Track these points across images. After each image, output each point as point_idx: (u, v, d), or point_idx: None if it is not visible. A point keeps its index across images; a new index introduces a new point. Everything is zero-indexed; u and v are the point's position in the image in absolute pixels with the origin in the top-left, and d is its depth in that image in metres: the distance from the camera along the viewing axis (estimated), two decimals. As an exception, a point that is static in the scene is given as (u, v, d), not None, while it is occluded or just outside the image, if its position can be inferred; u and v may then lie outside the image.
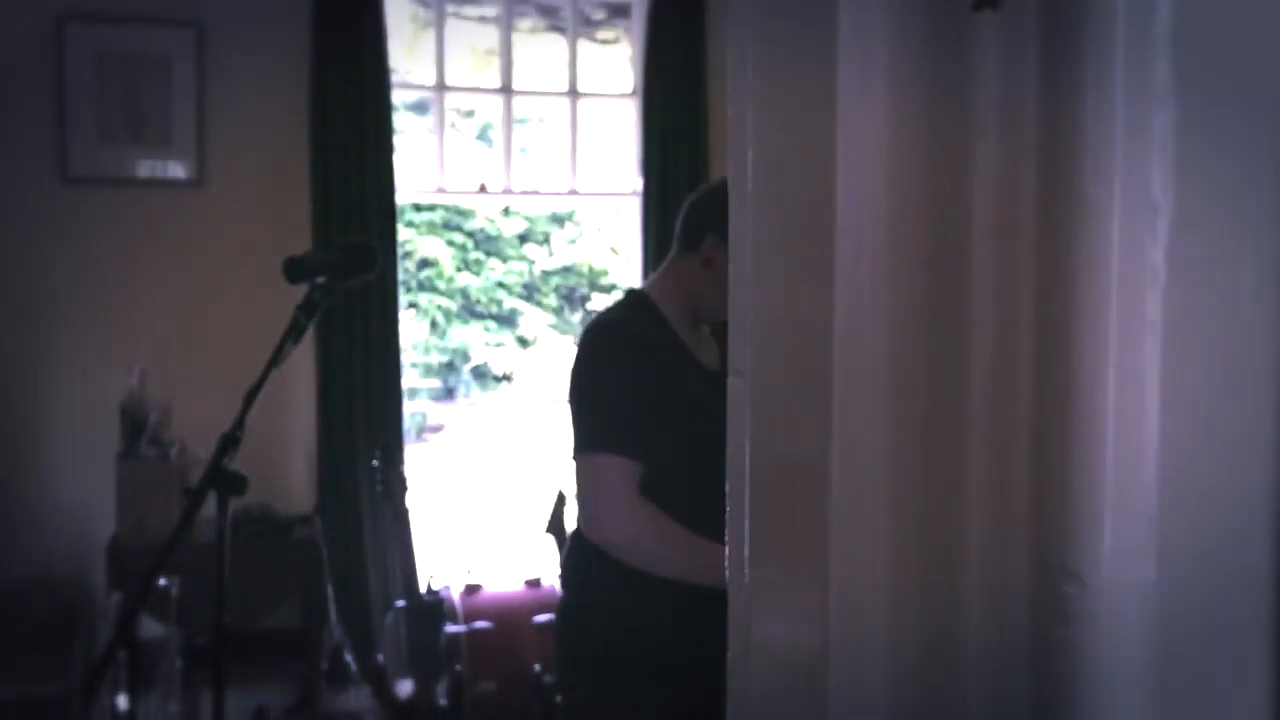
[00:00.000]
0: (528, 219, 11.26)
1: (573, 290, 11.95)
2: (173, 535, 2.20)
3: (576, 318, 12.00)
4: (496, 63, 4.79)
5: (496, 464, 9.03)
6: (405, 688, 3.50)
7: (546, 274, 12.08)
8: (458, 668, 3.60)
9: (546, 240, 12.05)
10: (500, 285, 11.28)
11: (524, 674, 3.84)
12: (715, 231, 2.09)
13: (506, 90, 4.77)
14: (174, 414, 4.14)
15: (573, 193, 4.87)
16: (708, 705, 2.03)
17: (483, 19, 4.98)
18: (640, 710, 2.06)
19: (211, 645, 2.23)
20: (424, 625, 3.47)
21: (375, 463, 3.56)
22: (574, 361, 2.13)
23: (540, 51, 5.09)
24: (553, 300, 12.23)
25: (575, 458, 2.07)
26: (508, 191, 4.77)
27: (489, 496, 8.25)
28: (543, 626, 4.03)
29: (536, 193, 5.12)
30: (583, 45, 4.86)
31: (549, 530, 3.81)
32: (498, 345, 11.01)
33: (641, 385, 2.04)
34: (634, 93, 4.88)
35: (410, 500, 3.51)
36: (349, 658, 4.30)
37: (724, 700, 2.04)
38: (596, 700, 2.11)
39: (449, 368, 10.78)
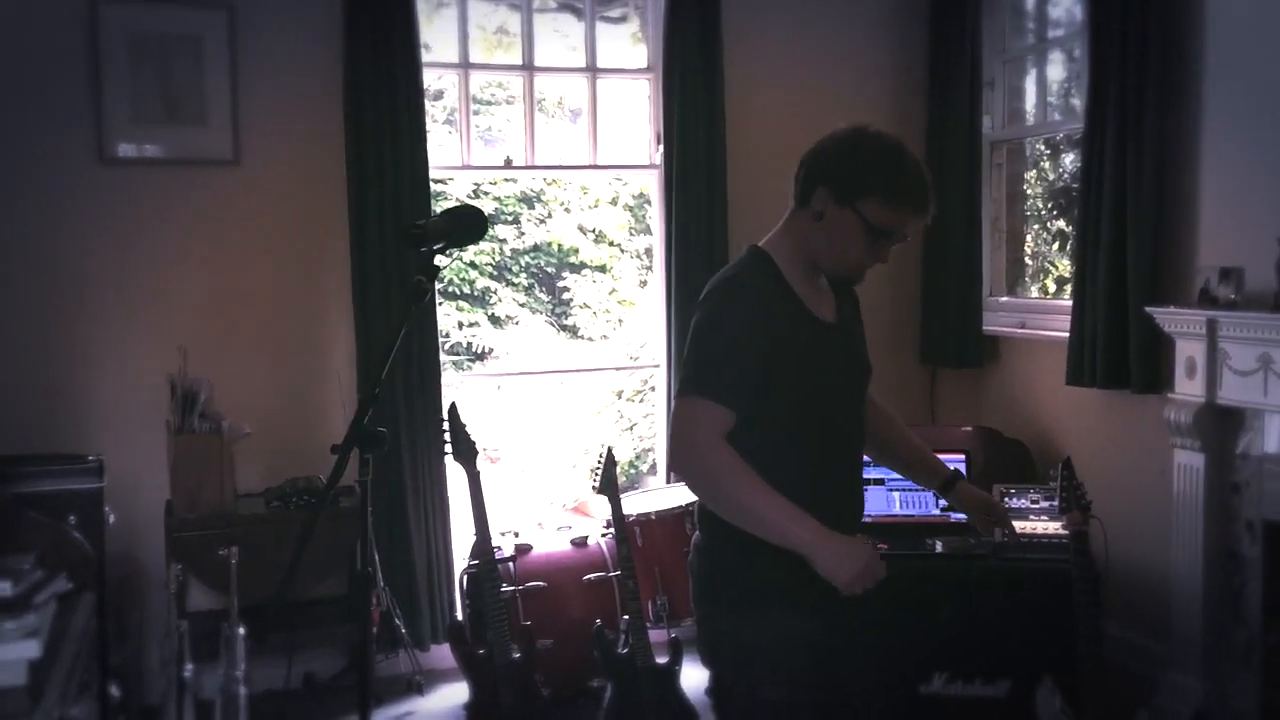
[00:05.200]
0: (496, 199, 11.31)
1: (542, 269, 12.05)
2: (324, 491, 2.31)
3: (546, 297, 12.11)
4: (505, 41, 4.89)
5: (490, 437, 9.13)
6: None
7: (516, 253, 12.17)
8: (526, 623, 3.74)
9: (516, 220, 12.14)
10: (471, 265, 11.33)
11: (578, 629, 4.00)
12: (825, 184, 2.23)
13: (529, 68, 4.89)
14: (214, 387, 4.23)
15: (593, 166, 4.99)
16: (838, 631, 2.21)
17: (504, 1, 5.07)
18: (776, 638, 2.21)
19: (358, 597, 2.34)
20: (493, 585, 3.60)
21: (444, 427, 3.67)
22: (695, 315, 2.26)
23: (548, 29, 5.19)
24: (524, 280, 12.33)
25: (675, 398, 2.22)
26: (531, 166, 4.89)
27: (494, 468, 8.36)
28: (594, 583, 4.20)
29: (559, 166, 5.19)
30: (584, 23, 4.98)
31: (600, 489, 3.96)
32: (472, 325, 11.08)
33: (750, 338, 2.17)
34: (649, 68, 5.01)
35: (480, 462, 3.64)
36: (398, 621, 4.43)
37: (852, 624, 2.22)
38: (734, 632, 2.25)
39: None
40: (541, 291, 12.11)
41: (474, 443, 3.63)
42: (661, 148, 4.89)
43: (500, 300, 11.47)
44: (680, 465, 2.20)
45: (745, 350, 2.17)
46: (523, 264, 12.36)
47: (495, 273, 11.63)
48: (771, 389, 2.18)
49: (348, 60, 4.39)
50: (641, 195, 12.12)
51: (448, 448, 3.64)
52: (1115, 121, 4.07)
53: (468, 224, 2.47)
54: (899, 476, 2.99)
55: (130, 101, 4.30)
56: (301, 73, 4.48)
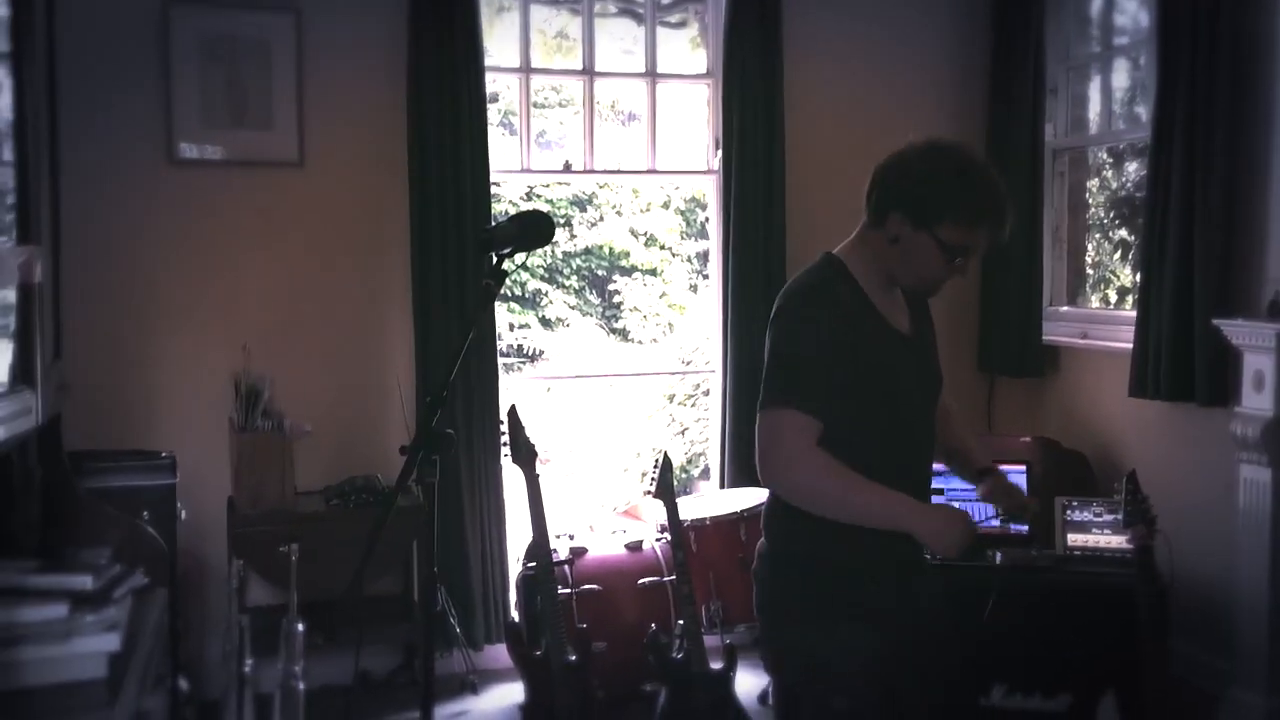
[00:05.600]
0: (549, 201, 11.36)
1: (593, 272, 12.09)
2: (394, 490, 2.32)
3: (596, 300, 12.15)
4: (565, 46, 4.91)
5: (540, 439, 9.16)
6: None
7: (568, 256, 12.22)
8: (582, 625, 3.75)
9: (568, 223, 12.19)
10: (523, 268, 11.39)
11: (632, 633, 4.00)
12: (898, 209, 2.22)
13: (589, 72, 4.91)
14: (275, 385, 4.29)
15: (651, 171, 5.00)
16: (901, 643, 2.20)
17: (560, 4, 5.10)
18: (841, 648, 2.20)
19: (427, 600, 2.35)
20: (550, 587, 3.62)
21: (503, 429, 3.69)
22: (772, 325, 2.26)
23: (606, 33, 5.19)
24: (574, 282, 12.37)
25: (760, 410, 2.22)
26: (589, 170, 4.91)
27: (544, 470, 8.39)
28: (648, 587, 4.20)
29: (618, 171, 5.22)
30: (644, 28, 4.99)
31: (657, 494, 3.96)
32: (523, 326, 11.14)
33: (829, 347, 2.18)
34: (708, 74, 5.02)
35: (539, 466, 3.65)
36: (453, 621, 4.46)
37: (914, 636, 2.21)
38: (800, 641, 2.25)
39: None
40: (592, 294, 12.15)
41: (533, 446, 3.65)
42: (720, 153, 4.89)
43: (551, 302, 11.52)
44: (773, 476, 2.20)
45: (826, 359, 2.17)
46: (574, 267, 12.41)
47: (546, 275, 11.68)
48: (848, 397, 2.18)
49: (411, 64, 4.43)
50: (694, 199, 12.13)
51: (506, 450, 3.65)
52: (1183, 130, 4.02)
53: (536, 228, 2.49)
54: (961, 486, 2.96)
55: (199, 103, 4.37)
56: (366, 76, 4.53)
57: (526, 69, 4.86)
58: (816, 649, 2.23)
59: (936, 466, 2.44)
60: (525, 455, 3.62)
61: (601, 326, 11.92)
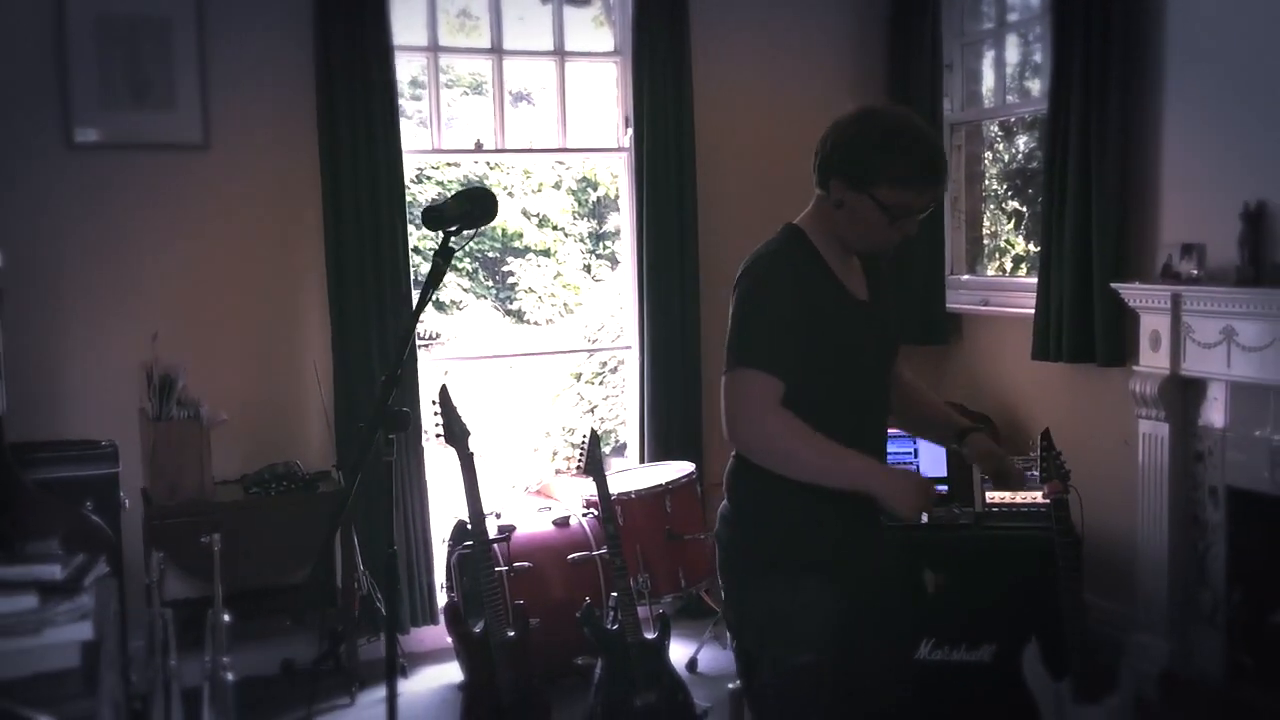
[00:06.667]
0: (439, 184, 11.25)
1: (485, 255, 12.02)
2: (352, 476, 2.32)
3: (490, 281, 12.08)
4: (467, 25, 4.89)
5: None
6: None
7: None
8: (519, 602, 3.78)
9: (460, 204, 12.05)
10: (415, 250, 11.25)
11: (562, 608, 4.05)
12: (837, 175, 2.29)
13: (497, 51, 4.89)
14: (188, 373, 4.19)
15: (563, 149, 5.02)
16: (860, 599, 2.28)
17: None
18: (801, 603, 2.27)
19: (388, 572, 2.36)
20: (488, 565, 3.63)
21: (435, 409, 3.68)
22: (735, 291, 2.31)
23: (510, 13, 5.17)
24: (467, 264, 12.27)
25: (725, 373, 2.27)
26: (500, 150, 4.90)
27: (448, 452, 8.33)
28: (577, 562, 4.25)
29: (530, 150, 5.20)
30: (550, 6, 5.00)
31: (586, 470, 4.00)
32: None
33: (791, 310, 2.24)
34: (616, 52, 5.05)
35: (472, 444, 3.65)
36: (379, 604, 4.43)
37: (871, 593, 2.29)
38: (761, 598, 2.32)
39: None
40: (485, 276, 12.09)
41: (465, 426, 3.65)
42: (631, 130, 4.93)
43: (445, 285, 11.43)
44: (739, 435, 2.24)
45: (789, 322, 2.23)
46: (467, 249, 12.33)
47: (409, 256, 11.56)
48: (807, 361, 2.24)
49: (319, 43, 4.37)
50: (584, 179, 12.14)
51: (439, 430, 3.65)
52: (1079, 103, 4.19)
53: (482, 205, 2.52)
54: (900, 450, 3.07)
55: (97, 85, 4.23)
56: (272, 57, 4.45)
57: (435, 48, 4.82)
58: (778, 605, 2.28)
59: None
60: (459, 435, 3.62)
61: (497, 308, 11.87)
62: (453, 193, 2.65)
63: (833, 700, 2.26)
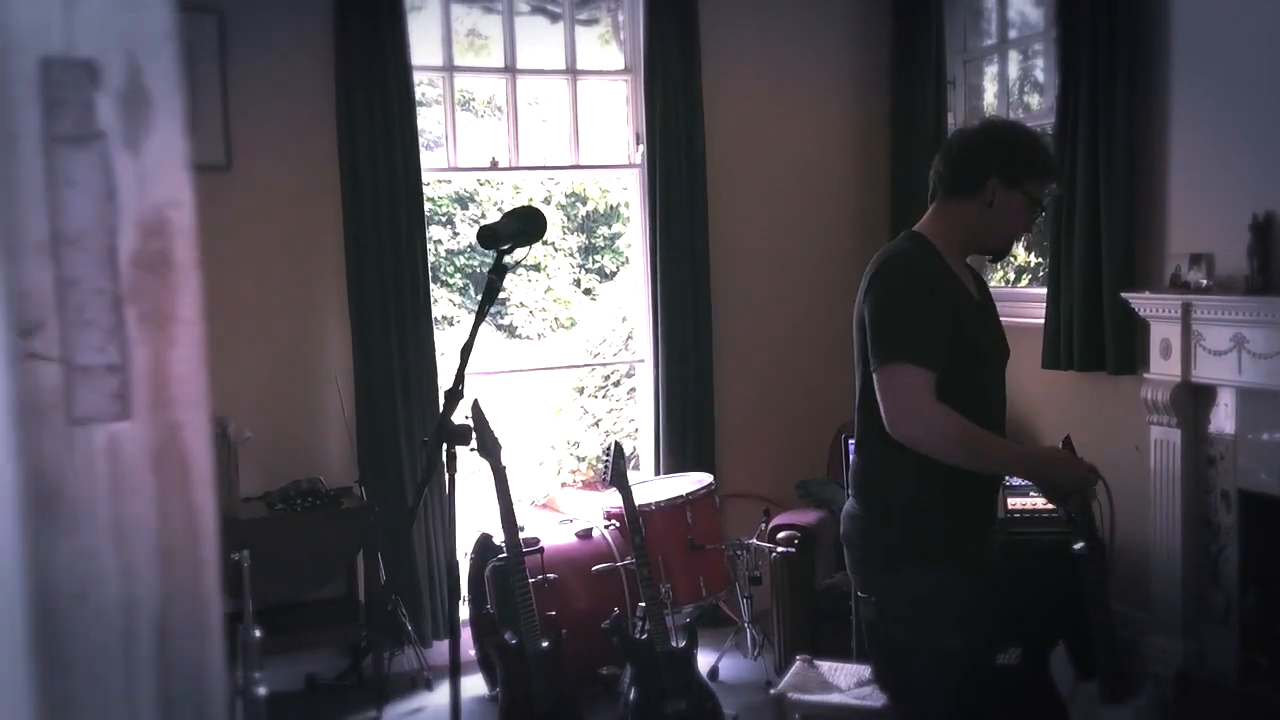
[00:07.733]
0: (430, 199, 11.29)
1: (476, 271, 12.05)
2: (418, 488, 2.37)
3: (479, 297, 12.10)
4: (476, 44, 4.95)
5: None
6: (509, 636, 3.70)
7: (451, 254, 12.15)
8: (551, 613, 3.82)
9: (450, 221, 12.12)
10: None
11: (587, 619, 4.09)
12: (996, 174, 2.42)
13: (510, 70, 4.96)
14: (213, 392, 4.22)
15: (576, 166, 5.08)
16: (988, 580, 2.39)
17: (474, 2, 5.13)
18: (944, 593, 2.36)
19: (450, 580, 2.41)
20: (522, 577, 3.68)
21: (469, 423, 3.72)
22: (872, 289, 2.39)
23: (521, 32, 5.25)
24: (458, 280, 12.31)
25: (878, 369, 2.34)
26: (515, 167, 4.96)
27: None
28: (601, 574, 4.30)
29: (545, 167, 5.27)
30: (559, 25, 5.07)
31: (611, 482, 4.06)
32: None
33: (933, 305, 2.35)
34: (628, 69, 5.12)
35: (505, 456, 3.70)
36: (404, 619, 4.47)
37: (993, 584, 2.39)
38: (906, 590, 2.38)
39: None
40: (476, 292, 12.11)
41: (498, 439, 3.70)
42: (643, 147, 5.00)
43: (436, 301, 11.45)
44: (902, 427, 2.31)
45: (934, 316, 2.34)
46: (457, 264, 12.36)
47: (430, 274, 11.60)
48: (948, 356, 2.34)
49: (339, 65, 4.42)
50: (574, 194, 12.20)
51: (473, 443, 3.69)
52: (1087, 114, 4.29)
53: (534, 223, 2.60)
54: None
55: (120, 106, 4.26)
56: (292, 78, 4.50)
57: (450, 68, 4.88)
58: (924, 596, 2.36)
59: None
60: (491, 448, 3.67)
61: (489, 324, 11.90)
62: (504, 212, 2.72)
63: (974, 684, 2.39)
